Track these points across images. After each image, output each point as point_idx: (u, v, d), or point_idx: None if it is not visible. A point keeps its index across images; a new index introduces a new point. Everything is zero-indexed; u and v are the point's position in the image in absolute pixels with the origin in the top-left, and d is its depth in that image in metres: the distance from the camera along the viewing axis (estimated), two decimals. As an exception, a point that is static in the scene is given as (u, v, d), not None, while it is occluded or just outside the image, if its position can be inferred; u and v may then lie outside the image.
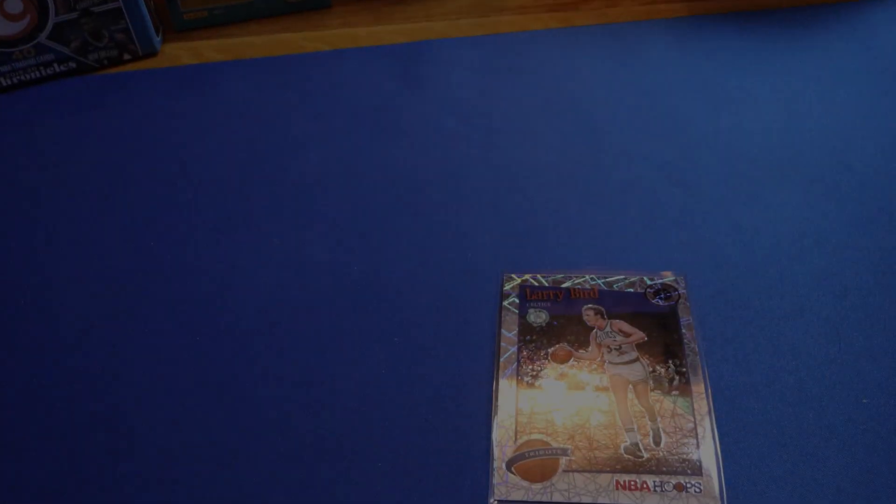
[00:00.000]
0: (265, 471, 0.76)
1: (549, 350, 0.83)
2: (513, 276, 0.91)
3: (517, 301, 0.88)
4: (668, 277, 0.89)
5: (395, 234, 0.97)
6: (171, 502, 0.75)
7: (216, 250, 0.97)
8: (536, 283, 0.90)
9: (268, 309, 0.90)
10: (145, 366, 0.86)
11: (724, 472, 0.73)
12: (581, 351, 0.83)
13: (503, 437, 0.77)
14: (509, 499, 0.73)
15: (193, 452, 0.79)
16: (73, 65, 1.24)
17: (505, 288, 0.90)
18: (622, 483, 0.73)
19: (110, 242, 1.00)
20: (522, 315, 0.87)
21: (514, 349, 0.83)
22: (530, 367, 0.82)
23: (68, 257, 0.99)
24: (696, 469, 0.73)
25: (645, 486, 0.72)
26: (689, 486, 0.72)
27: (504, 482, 0.74)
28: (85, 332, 0.90)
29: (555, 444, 0.76)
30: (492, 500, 0.73)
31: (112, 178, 1.09)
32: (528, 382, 0.80)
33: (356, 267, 0.94)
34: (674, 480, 0.72)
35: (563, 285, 0.89)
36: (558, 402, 0.79)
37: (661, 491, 0.72)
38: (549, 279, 0.90)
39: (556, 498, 0.72)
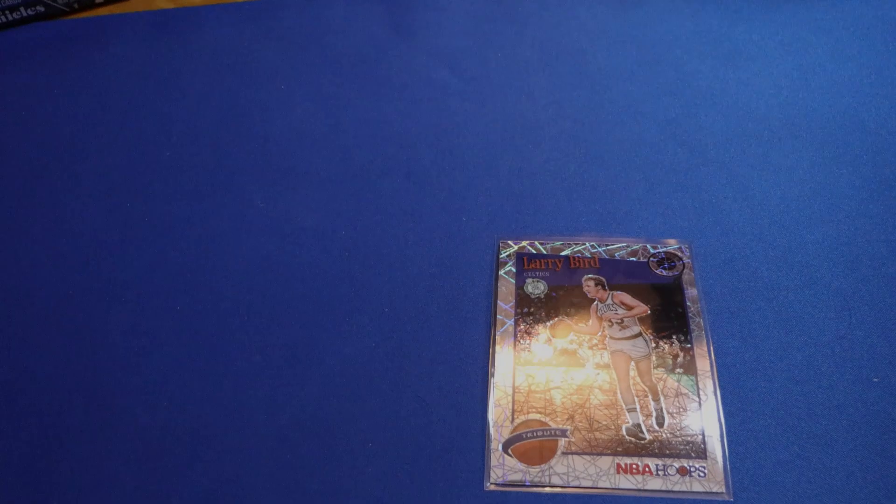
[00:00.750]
0: (248, 451, 0.72)
1: (548, 324, 0.79)
2: (509, 242, 0.86)
3: (514, 270, 0.83)
4: (673, 245, 0.84)
5: (385, 197, 0.92)
6: (150, 481, 0.71)
7: (195, 213, 0.91)
8: (534, 251, 0.85)
9: (250, 277, 0.85)
10: (119, 339, 0.81)
11: (729, 456, 0.69)
12: (581, 325, 0.78)
13: (500, 417, 0.73)
14: (506, 482, 0.69)
15: (175, 433, 0.75)
16: (41, 8, 1.15)
17: (501, 256, 0.85)
18: (623, 466, 0.69)
19: (81, 204, 0.94)
20: (520, 285, 0.82)
21: (511, 322, 0.79)
22: (528, 341, 0.77)
23: (37, 219, 0.93)
24: (701, 452, 0.69)
25: (647, 469, 0.69)
26: (692, 469, 0.69)
27: (500, 465, 0.70)
28: (59, 300, 0.85)
29: (553, 425, 0.72)
30: (487, 485, 0.69)
31: (83, 133, 1.02)
32: (525, 358, 0.76)
33: (343, 232, 0.88)
34: (677, 464, 0.69)
35: (563, 253, 0.84)
36: (557, 380, 0.75)
37: (664, 475, 0.68)
38: (548, 246, 0.85)
39: (555, 482, 0.69)
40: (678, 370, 0.74)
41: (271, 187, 0.93)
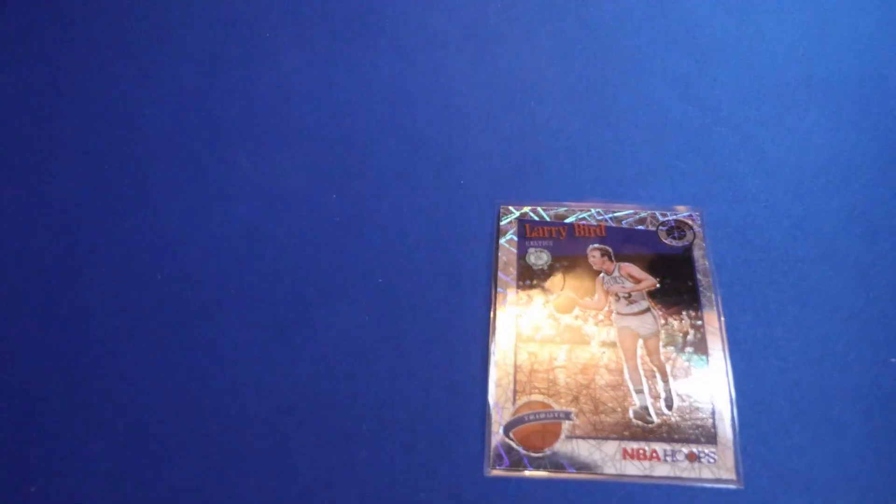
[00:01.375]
0: (235, 435, 0.69)
1: (552, 297, 0.74)
2: (510, 208, 0.81)
3: (515, 239, 0.78)
4: (682, 213, 0.79)
5: (378, 159, 0.86)
6: (129, 468, 0.67)
7: (176, 176, 0.85)
8: (537, 218, 0.79)
9: (235, 246, 0.80)
10: (97, 312, 0.76)
11: (741, 441, 0.66)
12: (586, 299, 0.74)
13: (501, 398, 0.69)
14: (507, 468, 0.65)
15: (156, 415, 0.71)
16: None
17: (502, 223, 0.80)
18: (630, 452, 0.66)
19: (59, 166, 0.88)
20: (521, 255, 0.77)
21: (512, 296, 0.74)
22: (530, 317, 0.73)
23: (12, 184, 0.86)
24: (711, 437, 0.66)
25: (655, 455, 0.65)
26: (702, 455, 0.65)
27: (501, 450, 0.66)
28: (33, 271, 0.79)
29: (557, 407, 0.68)
30: (488, 470, 0.65)
31: (59, 91, 0.95)
32: (527, 335, 0.71)
33: (335, 197, 0.83)
34: (686, 449, 0.65)
35: (567, 220, 0.79)
36: (561, 359, 0.70)
37: (673, 461, 0.65)
38: (551, 213, 0.80)
39: (559, 467, 0.65)
40: (688, 349, 0.70)
41: (257, 148, 0.87)
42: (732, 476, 0.65)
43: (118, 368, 0.72)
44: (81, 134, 0.90)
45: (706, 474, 0.64)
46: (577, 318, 0.73)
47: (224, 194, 0.83)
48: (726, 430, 0.66)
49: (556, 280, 0.75)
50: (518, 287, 0.75)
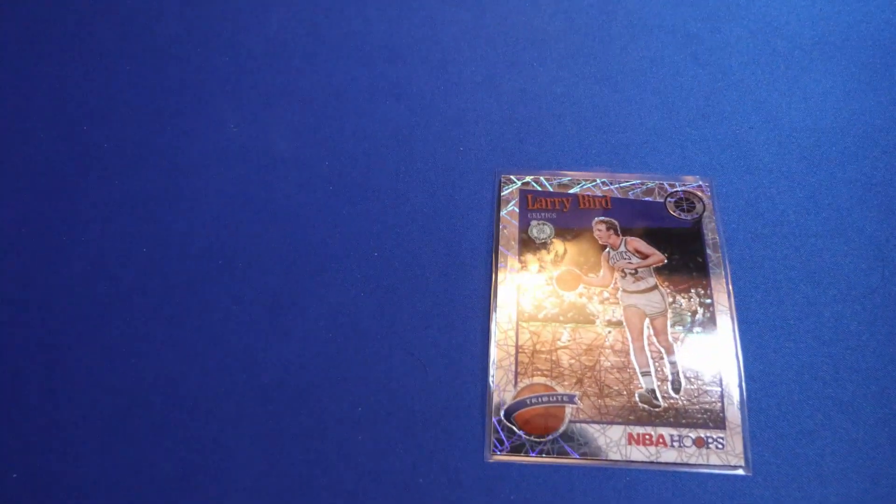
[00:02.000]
0: (224, 417, 0.66)
1: (555, 274, 0.70)
2: (511, 177, 0.76)
3: (517, 211, 0.74)
4: (692, 183, 0.75)
5: (372, 122, 0.81)
6: (116, 451, 0.65)
7: (159, 138, 0.81)
8: (539, 188, 0.75)
9: (223, 215, 0.76)
10: (78, 286, 0.72)
11: (750, 425, 0.63)
12: (591, 275, 0.70)
13: (501, 381, 0.65)
14: (508, 453, 0.62)
15: (142, 395, 0.67)
16: None
17: (503, 193, 0.75)
18: (636, 437, 0.63)
19: (32, 125, 0.82)
20: (523, 228, 0.73)
21: (513, 272, 0.70)
22: (533, 294, 0.69)
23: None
24: (719, 421, 0.63)
25: (661, 440, 0.63)
26: (710, 440, 0.62)
27: (502, 435, 0.63)
28: (9, 240, 0.75)
29: (560, 390, 0.65)
30: (488, 456, 0.63)
31: (35, 45, 0.89)
32: (530, 314, 0.68)
33: (327, 163, 0.78)
34: (693, 434, 0.63)
35: (571, 191, 0.75)
36: (565, 339, 0.67)
37: (680, 446, 0.62)
38: (555, 183, 0.75)
39: (560, 454, 0.62)
40: (696, 329, 0.67)
41: (245, 108, 0.82)
42: (741, 462, 0.62)
43: (99, 345, 0.68)
44: (58, 93, 0.84)
45: (714, 460, 0.62)
46: (581, 295, 0.69)
47: (209, 159, 0.78)
48: (735, 414, 0.63)
49: (560, 255, 0.71)
50: (520, 262, 0.71)
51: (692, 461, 0.62)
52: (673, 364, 0.66)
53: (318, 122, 0.81)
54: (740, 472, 0.62)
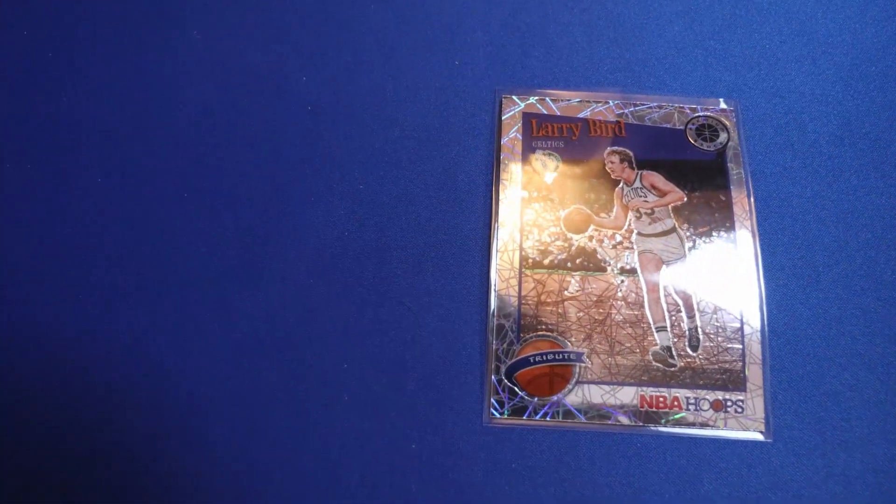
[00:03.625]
0: (196, 374, 0.59)
1: (562, 213, 0.62)
2: (514, 98, 0.66)
3: (520, 138, 0.64)
4: (715, 107, 0.66)
5: (355, 30, 0.70)
6: (80, 414, 0.57)
7: (114, 49, 0.69)
8: (545, 111, 0.65)
9: (186, 140, 0.66)
10: (32, 225, 0.62)
11: (772, 386, 0.57)
12: (603, 216, 0.62)
13: (502, 336, 0.58)
14: (509, 417, 0.56)
15: (107, 348, 0.60)
16: None
17: (504, 117, 0.65)
18: (648, 399, 0.56)
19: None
20: (526, 158, 0.64)
21: (515, 210, 0.62)
22: (537, 236, 0.61)
23: None
24: (739, 382, 0.57)
25: (676, 403, 0.56)
26: (728, 404, 0.56)
27: (503, 396, 0.56)
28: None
29: (567, 347, 0.57)
30: (487, 419, 0.56)
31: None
32: (534, 259, 0.60)
33: (305, 78, 0.68)
34: (711, 397, 0.56)
35: (580, 115, 0.65)
36: (573, 289, 0.59)
37: (696, 409, 0.56)
38: (562, 105, 0.65)
39: (567, 417, 0.56)
40: (716, 278, 0.59)
41: (210, 16, 0.70)
42: (760, 427, 0.56)
43: (57, 294, 0.59)
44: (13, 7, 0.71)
45: (732, 425, 0.56)
46: (591, 238, 0.61)
47: (170, 75, 0.67)
48: (757, 374, 0.57)
49: (568, 191, 0.62)
50: (522, 199, 0.62)
51: (709, 426, 0.56)
52: (691, 319, 0.58)
53: (293, 28, 0.69)
54: (760, 437, 0.56)
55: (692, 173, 0.64)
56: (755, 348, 0.58)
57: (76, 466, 0.56)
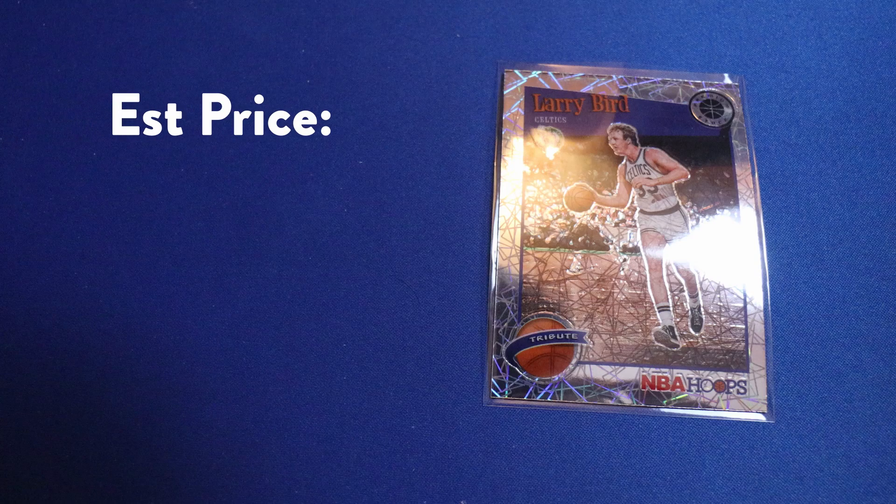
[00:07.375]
0: (191, 351, 0.56)
1: (564, 190, 0.58)
2: (516, 72, 0.63)
3: (521, 113, 0.61)
4: (720, 83, 0.62)
5: (354, 2, 0.66)
6: (68, 392, 0.54)
7: (108, 24, 0.64)
8: (547, 86, 0.62)
9: (182, 112, 0.62)
10: (22, 194, 0.59)
11: (775, 367, 0.54)
12: (605, 193, 0.59)
13: (503, 315, 0.55)
14: (509, 397, 0.53)
15: (98, 326, 0.56)
16: None
17: (506, 91, 0.62)
18: (650, 380, 0.54)
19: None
20: (528, 133, 0.60)
21: (517, 187, 0.59)
22: (539, 213, 0.58)
23: None
24: (742, 363, 0.54)
25: (678, 383, 0.54)
26: (731, 384, 0.54)
27: (503, 376, 0.54)
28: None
29: (569, 327, 0.55)
30: (487, 399, 0.53)
31: None
32: (535, 237, 0.57)
33: (303, 50, 0.64)
34: (714, 377, 0.54)
35: (583, 90, 0.62)
36: (575, 268, 0.56)
37: (698, 390, 0.53)
38: (564, 79, 0.62)
39: (568, 398, 0.53)
40: (720, 257, 0.57)
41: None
42: (763, 409, 0.54)
43: (44, 267, 0.56)
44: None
45: (735, 406, 0.53)
46: (593, 216, 0.58)
47: (166, 46, 0.63)
48: (760, 354, 0.54)
49: (570, 168, 0.59)
50: (524, 176, 0.59)
51: (711, 407, 0.53)
52: (694, 298, 0.56)
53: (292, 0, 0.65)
54: (762, 418, 0.53)
55: (696, 150, 0.60)
56: (758, 329, 0.55)
57: (72, 443, 0.53)
